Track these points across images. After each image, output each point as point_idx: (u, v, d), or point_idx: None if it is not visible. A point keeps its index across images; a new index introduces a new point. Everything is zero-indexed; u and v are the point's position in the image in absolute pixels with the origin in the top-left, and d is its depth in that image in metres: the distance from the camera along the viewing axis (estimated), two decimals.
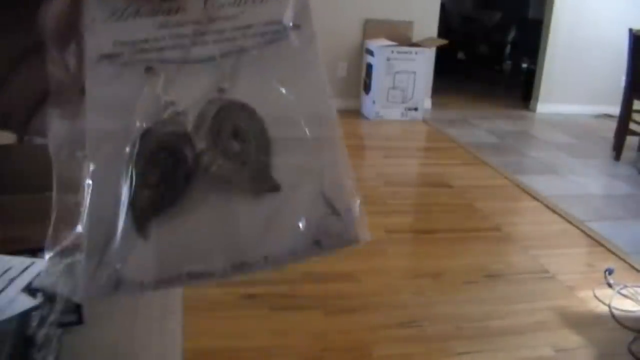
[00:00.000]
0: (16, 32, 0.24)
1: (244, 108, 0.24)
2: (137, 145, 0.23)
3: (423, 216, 3.33)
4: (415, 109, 5.34)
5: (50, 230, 0.24)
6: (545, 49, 5.93)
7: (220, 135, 0.23)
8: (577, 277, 2.61)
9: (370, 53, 5.31)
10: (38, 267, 0.83)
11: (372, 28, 5.50)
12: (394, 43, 5.24)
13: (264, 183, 0.24)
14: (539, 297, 2.40)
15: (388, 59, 5.17)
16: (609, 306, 2.35)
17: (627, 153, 4.59)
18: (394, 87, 5.24)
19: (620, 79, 5.30)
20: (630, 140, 4.60)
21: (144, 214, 0.23)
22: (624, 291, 2.48)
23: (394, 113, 5.30)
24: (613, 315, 2.28)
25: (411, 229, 3.12)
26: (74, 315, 0.73)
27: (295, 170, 0.25)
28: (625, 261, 2.76)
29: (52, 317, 0.75)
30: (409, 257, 2.80)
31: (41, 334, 0.72)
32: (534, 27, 6.44)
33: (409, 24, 5.57)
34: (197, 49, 0.23)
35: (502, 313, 2.26)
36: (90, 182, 0.23)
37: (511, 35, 8.58)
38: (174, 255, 0.23)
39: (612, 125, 4.87)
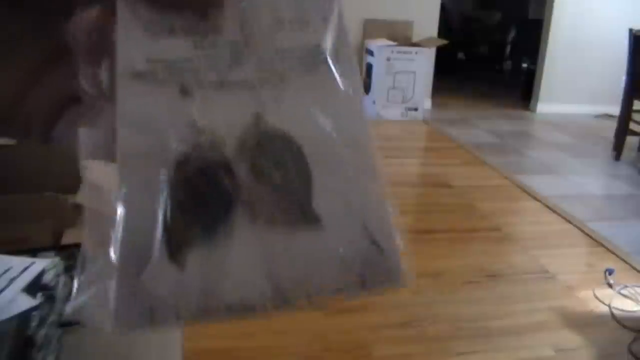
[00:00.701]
0: (38, 39, 0.24)
1: (284, 136, 0.23)
2: (173, 170, 0.22)
3: (423, 216, 3.33)
4: (415, 109, 5.34)
5: (82, 248, 0.23)
6: (545, 49, 5.93)
7: (261, 165, 0.23)
8: (577, 277, 2.61)
9: (370, 53, 5.31)
10: (38, 267, 0.84)
11: (372, 28, 5.50)
12: (394, 43, 5.24)
13: (305, 215, 0.23)
14: (539, 297, 2.40)
15: (388, 59, 5.17)
16: (609, 306, 2.35)
17: (627, 153, 4.59)
18: (394, 87, 5.24)
19: (620, 79, 5.30)
20: (630, 140, 4.61)
21: (180, 242, 0.22)
22: (624, 291, 2.48)
23: (394, 113, 5.30)
24: (613, 315, 2.28)
25: (411, 229, 3.12)
26: None
27: (336, 202, 0.24)
28: (625, 261, 2.76)
29: (52, 317, 0.75)
30: (409, 257, 2.81)
31: (41, 334, 0.72)
32: (534, 27, 6.44)
33: (409, 24, 5.57)
34: (235, 72, 0.23)
35: (502, 313, 2.26)
36: (123, 206, 0.22)
37: (511, 35, 8.58)
38: (212, 287, 0.23)
39: (612, 125, 4.87)
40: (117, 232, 0.22)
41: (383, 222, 0.25)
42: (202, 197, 0.22)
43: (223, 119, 0.22)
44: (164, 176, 0.22)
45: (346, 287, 0.24)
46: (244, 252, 0.23)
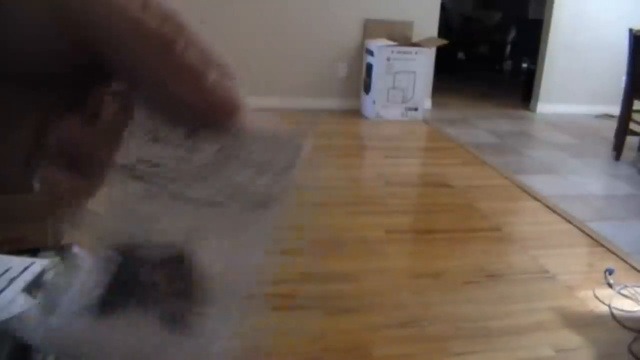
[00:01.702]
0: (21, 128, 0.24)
1: (198, 260, 0.25)
2: (117, 255, 0.24)
3: (423, 216, 3.33)
4: (415, 109, 5.34)
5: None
6: (545, 49, 5.93)
7: (173, 277, 0.25)
8: (577, 277, 2.61)
9: (370, 53, 5.31)
10: (38, 267, 0.84)
11: (372, 28, 5.50)
12: (394, 43, 5.24)
13: (185, 328, 0.25)
14: (538, 297, 2.40)
15: (388, 59, 5.17)
16: (609, 306, 2.35)
17: (627, 153, 4.59)
18: (394, 87, 5.24)
19: (620, 79, 5.30)
20: (630, 140, 4.60)
21: (104, 311, 0.24)
22: (624, 291, 2.48)
23: (394, 113, 5.30)
24: (613, 315, 2.28)
25: (411, 229, 3.12)
26: None
27: (212, 325, 0.27)
28: (625, 261, 2.76)
29: None
30: (409, 257, 2.81)
31: None
32: (534, 27, 6.44)
33: (409, 24, 5.57)
34: (192, 190, 0.24)
35: (501, 313, 2.26)
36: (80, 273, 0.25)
37: (511, 35, 8.58)
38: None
39: (612, 125, 4.87)
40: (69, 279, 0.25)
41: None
42: (120, 281, 0.24)
43: (166, 226, 0.24)
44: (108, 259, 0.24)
45: None
46: (129, 336, 0.25)
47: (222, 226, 0.25)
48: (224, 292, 0.25)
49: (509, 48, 8.73)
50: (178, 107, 0.23)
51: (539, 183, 3.83)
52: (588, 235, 3.06)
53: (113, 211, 0.24)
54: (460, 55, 8.68)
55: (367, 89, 5.38)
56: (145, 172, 0.24)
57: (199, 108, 0.23)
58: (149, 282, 0.24)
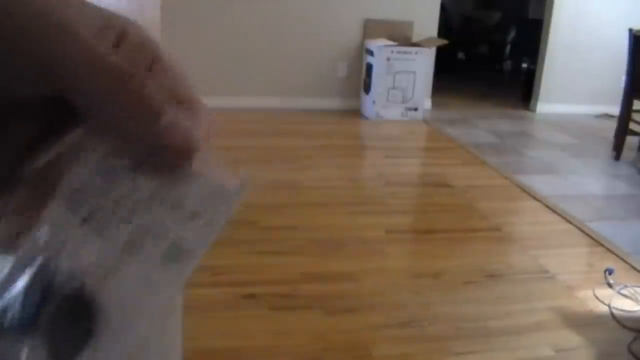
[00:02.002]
0: None
1: (100, 298, 0.24)
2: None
3: (423, 216, 3.33)
4: (415, 109, 5.34)
5: None
6: (545, 49, 5.93)
7: (72, 309, 0.24)
8: (577, 277, 2.61)
9: (370, 53, 5.31)
10: None
11: (372, 28, 5.50)
12: (394, 43, 5.24)
13: None
14: (538, 297, 2.40)
15: (388, 59, 5.17)
16: (608, 306, 2.35)
17: (627, 153, 4.59)
18: (394, 87, 5.24)
19: (620, 79, 5.30)
20: (630, 140, 4.61)
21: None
22: (624, 291, 2.48)
23: (394, 113, 5.30)
24: (613, 315, 2.28)
25: (411, 229, 3.12)
26: None
27: None
28: (625, 261, 2.76)
29: None
30: (409, 257, 2.81)
31: None
32: (534, 27, 6.44)
33: (409, 24, 5.57)
34: (117, 226, 0.24)
35: (501, 313, 2.26)
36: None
37: (511, 35, 8.58)
38: None
39: (612, 125, 4.87)
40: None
41: None
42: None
43: (80, 256, 0.24)
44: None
45: None
46: None
47: (136, 269, 0.24)
48: (120, 332, 0.25)
49: (508, 48, 8.73)
50: (127, 142, 0.23)
51: (539, 183, 3.83)
52: (588, 235, 3.06)
53: (40, 228, 0.24)
54: (460, 55, 8.68)
55: (367, 89, 5.38)
56: (79, 200, 0.24)
57: (147, 146, 0.23)
58: (49, 309, 0.24)
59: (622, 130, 4.53)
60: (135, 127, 0.22)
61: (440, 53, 5.82)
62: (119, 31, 0.23)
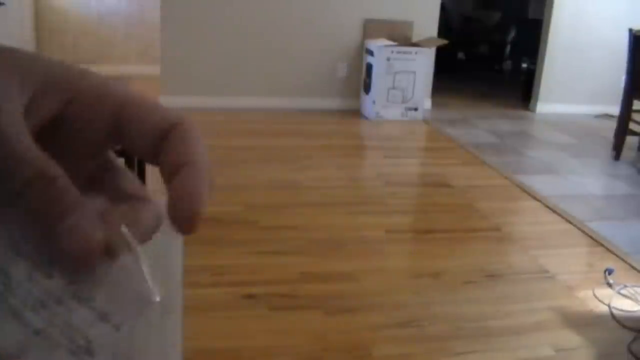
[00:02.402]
0: None
1: None
2: None
3: (423, 216, 3.33)
4: (415, 109, 5.34)
5: None
6: (545, 49, 5.93)
7: None
8: (577, 277, 2.61)
9: (370, 53, 5.31)
10: None
11: (372, 28, 5.50)
12: (394, 43, 5.24)
13: None
14: (538, 297, 2.40)
15: (388, 59, 5.17)
16: (608, 306, 2.35)
17: (627, 153, 4.59)
18: (394, 87, 5.24)
19: (620, 79, 5.30)
20: (630, 140, 4.61)
21: None
22: (623, 291, 2.48)
23: (394, 113, 5.30)
24: (613, 315, 2.28)
25: (411, 229, 3.12)
26: None
27: None
28: (625, 261, 2.76)
29: None
30: (409, 257, 2.81)
31: None
32: (534, 27, 6.44)
33: (409, 24, 5.57)
34: (28, 313, 0.24)
35: (501, 313, 2.26)
36: None
37: (511, 35, 8.58)
38: None
39: (612, 125, 4.87)
40: None
41: None
42: None
43: None
44: None
45: None
46: None
47: (46, 356, 0.24)
48: None
49: (508, 48, 8.73)
50: (28, 239, 0.23)
51: (539, 183, 3.83)
52: (588, 235, 3.06)
53: None
54: (460, 55, 8.68)
55: (367, 89, 5.38)
56: None
57: (46, 249, 0.23)
58: None
59: (622, 130, 4.53)
60: (32, 231, 0.23)
61: (440, 53, 5.81)
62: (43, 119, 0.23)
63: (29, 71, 0.24)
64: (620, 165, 4.43)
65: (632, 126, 4.50)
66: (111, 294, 0.25)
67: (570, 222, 3.20)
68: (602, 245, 2.94)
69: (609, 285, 2.52)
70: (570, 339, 2.11)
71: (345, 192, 3.51)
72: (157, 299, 0.26)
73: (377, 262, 2.62)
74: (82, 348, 0.24)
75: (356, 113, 5.49)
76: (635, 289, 2.50)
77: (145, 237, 0.25)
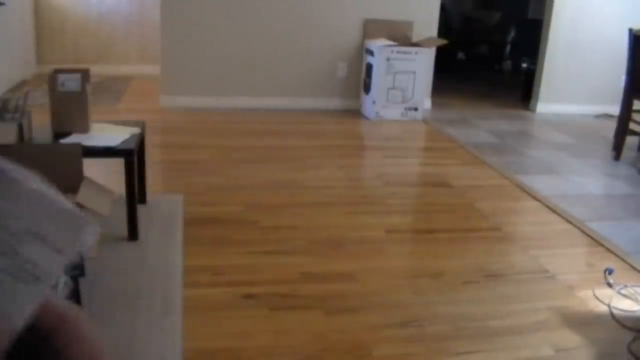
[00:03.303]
0: None
1: None
2: None
3: (423, 216, 3.33)
4: (415, 109, 5.34)
5: None
6: (545, 49, 5.93)
7: None
8: (577, 277, 2.61)
9: (370, 53, 5.31)
10: None
11: (372, 28, 5.50)
12: (394, 43, 5.24)
13: None
14: (539, 297, 2.41)
15: (388, 59, 5.17)
16: (608, 306, 2.35)
17: (627, 153, 4.59)
18: (394, 87, 5.25)
19: (620, 79, 5.30)
20: (630, 140, 4.61)
21: None
22: (623, 291, 2.48)
23: (394, 113, 5.30)
24: (613, 315, 2.28)
25: (411, 229, 3.12)
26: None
27: None
28: (625, 261, 2.77)
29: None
30: (409, 257, 2.80)
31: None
32: (534, 27, 6.43)
33: (409, 24, 5.57)
34: None
35: (502, 313, 2.26)
36: None
37: (511, 35, 8.57)
38: None
39: (612, 125, 4.87)
40: None
41: None
42: None
43: None
44: None
45: None
46: None
47: None
48: None
49: (508, 48, 8.72)
50: None
51: (539, 183, 3.83)
52: (588, 235, 3.06)
53: None
54: (460, 55, 8.68)
55: (367, 89, 5.38)
56: None
57: None
58: None
59: (622, 130, 4.53)
60: None
61: (440, 53, 5.81)
62: None
63: None
64: (620, 165, 4.43)
65: (632, 126, 4.50)
66: (37, 215, 0.24)
67: (570, 222, 3.21)
68: (602, 245, 2.94)
69: (609, 285, 2.52)
70: (570, 338, 2.11)
71: (345, 192, 3.51)
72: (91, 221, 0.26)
73: (377, 262, 2.62)
74: (27, 272, 0.24)
75: (356, 113, 5.49)
76: (635, 289, 2.50)
77: None
